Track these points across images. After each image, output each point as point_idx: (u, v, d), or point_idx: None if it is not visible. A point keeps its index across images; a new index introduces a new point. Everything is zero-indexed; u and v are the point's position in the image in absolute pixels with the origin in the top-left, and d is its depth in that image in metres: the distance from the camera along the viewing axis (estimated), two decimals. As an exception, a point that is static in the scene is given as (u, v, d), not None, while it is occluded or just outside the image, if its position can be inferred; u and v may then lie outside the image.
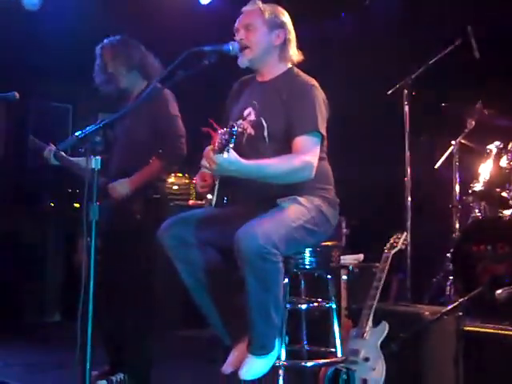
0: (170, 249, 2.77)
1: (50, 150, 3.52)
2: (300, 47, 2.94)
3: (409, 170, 4.24)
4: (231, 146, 2.39)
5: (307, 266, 2.88)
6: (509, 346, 3.04)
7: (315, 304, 3.03)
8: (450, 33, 4.67)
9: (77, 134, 2.48)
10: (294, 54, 2.93)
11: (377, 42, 5.32)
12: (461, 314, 3.16)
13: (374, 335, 3.05)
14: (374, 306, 3.10)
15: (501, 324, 3.18)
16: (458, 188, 4.48)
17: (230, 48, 2.79)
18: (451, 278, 4.16)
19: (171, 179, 4.89)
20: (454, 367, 3.09)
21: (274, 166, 2.64)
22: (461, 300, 3.18)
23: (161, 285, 3.54)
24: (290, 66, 2.94)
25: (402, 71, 4.42)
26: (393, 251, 3.32)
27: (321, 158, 2.79)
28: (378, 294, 3.15)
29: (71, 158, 3.53)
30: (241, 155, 2.50)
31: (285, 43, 2.90)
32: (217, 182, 2.78)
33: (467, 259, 3.89)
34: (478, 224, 4.17)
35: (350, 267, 4.05)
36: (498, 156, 4.18)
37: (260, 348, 2.68)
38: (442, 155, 4.58)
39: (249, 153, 2.63)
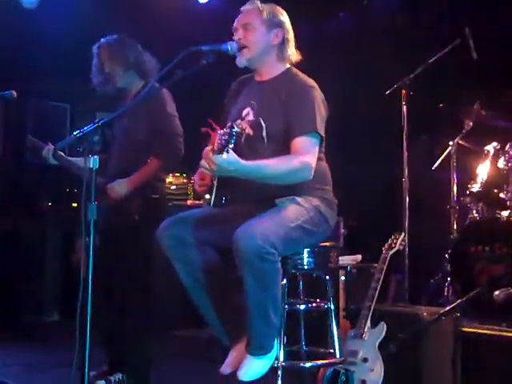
0: (169, 249, 2.76)
1: (48, 150, 3.51)
2: (298, 47, 2.94)
3: (407, 171, 4.24)
4: (231, 146, 2.38)
5: (305, 267, 2.87)
6: (506, 346, 3.04)
7: (313, 305, 3.02)
8: (448, 33, 4.68)
9: (75, 133, 2.47)
10: (293, 53, 2.92)
11: (375, 41, 5.32)
12: (459, 314, 3.16)
13: (372, 336, 3.05)
14: (372, 307, 3.11)
15: (499, 325, 3.18)
16: (455, 189, 4.49)
17: (229, 47, 2.78)
18: (449, 278, 4.16)
19: (169, 179, 4.89)
20: (451, 368, 3.09)
21: (272, 166, 2.64)
22: (459, 301, 3.19)
23: (159, 285, 3.53)
24: (288, 65, 2.93)
25: (400, 71, 4.43)
26: (391, 252, 3.33)
27: (319, 159, 2.79)
28: (376, 295, 3.15)
29: (70, 158, 3.53)
30: (239, 155, 2.50)
31: (283, 43, 2.89)
32: (215, 182, 2.78)
33: (465, 260, 3.89)
34: (476, 225, 4.17)
35: (348, 268, 4.04)
36: (496, 157, 4.19)
37: (258, 348, 2.67)
38: (440, 156, 4.58)
39: (247, 153, 2.63)
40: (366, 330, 3.06)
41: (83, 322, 2.36)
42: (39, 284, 5.56)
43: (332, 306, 2.93)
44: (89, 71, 3.61)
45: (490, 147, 4.25)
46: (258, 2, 2.90)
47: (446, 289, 4.20)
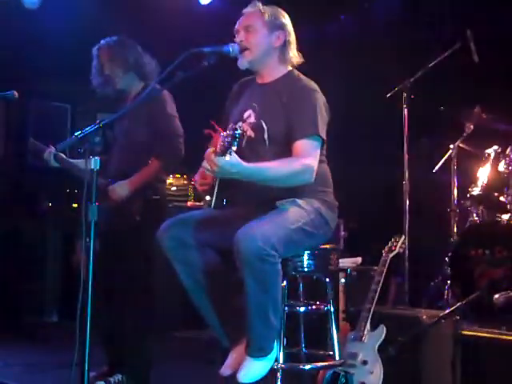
0: (169, 250, 2.76)
1: (49, 153, 3.51)
2: (300, 49, 2.94)
3: (407, 174, 4.24)
4: (234, 148, 2.39)
5: (305, 269, 2.88)
6: (506, 350, 3.04)
7: (313, 307, 3.03)
8: (449, 36, 4.68)
9: (76, 134, 2.47)
10: (294, 55, 2.92)
11: (376, 44, 5.33)
12: (458, 318, 3.16)
13: (371, 338, 3.05)
14: (372, 310, 3.10)
15: (498, 328, 3.18)
16: (456, 192, 4.49)
17: (230, 49, 2.79)
18: (449, 281, 4.16)
19: (170, 180, 4.90)
20: (451, 371, 3.08)
21: (274, 168, 2.64)
22: (458, 304, 3.19)
23: (160, 286, 3.53)
24: (290, 68, 2.93)
25: (401, 73, 4.43)
26: (391, 254, 3.32)
27: (320, 161, 2.79)
28: (376, 298, 3.15)
29: (71, 160, 3.53)
30: (240, 157, 2.50)
31: (285, 45, 2.89)
32: (216, 184, 2.78)
33: (465, 263, 3.89)
34: (476, 228, 4.17)
35: (348, 270, 4.04)
36: (496, 160, 4.19)
37: (258, 350, 2.67)
38: (441, 159, 4.58)
39: (248, 155, 2.63)
40: (365, 332, 3.06)
41: (83, 322, 2.36)
42: (40, 284, 5.56)
43: (332, 309, 2.93)
44: (90, 72, 3.61)
45: (491, 150, 4.26)
46: (260, 5, 2.91)
47: (446, 292, 4.20)
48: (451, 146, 4.52)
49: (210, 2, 5.51)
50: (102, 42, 3.60)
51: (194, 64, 2.67)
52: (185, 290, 2.82)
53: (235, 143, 2.38)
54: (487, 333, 3.14)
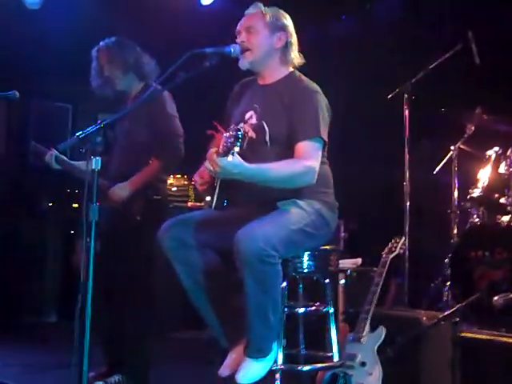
0: (169, 250, 2.77)
1: (51, 155, 3.52)
2: (301, 50, 2.94)
3: (408, 175, 4.24)
4: (236, 149, 2.39)
5: (305, 270, 2.88)
6: (506, 351, 3.04)
7: (313, 308, 3.02)
8: (450, 37, 4.68)
9: (78, 134, 2.48)
10: (296, 57, 2.93)
11: (377, 45, 5.32)
12: (458, 319, 3.16)
13: (371, 340, 3.05)
14: (372, 311, 3.10)
15: (498, 330, 3.19)
16: (456, 193, 4.49)
17: (232, 50, 2.79)
18: (449, 283, 4.16)
19: (170, 180, 4.90)
20: (450, 373, 3.09)
21: (276, 170, 2.65)
22: (458, 306, 3.18)
23: (160, 286, 3.53)
24: (291, 69, 2.94)
25: (402, 74, 4.43)
26: (391, 256, 3.33)
27: (321, 162, 2.80)
28: (376, 299, 3.15)
29: (72, 162, 3.54)
30: (241, 158, 2.50)
31: (286, 46, 2.90)
32: (217, 185, 2.78)
33: (465, 265, 3.89)
34: (477, 230, 4.17)
35: (348, 271, 4.05)
36: (497, 162, 4.18)
37: (257, 351, 2.68)
38: (441, 160, 4.58)
39: (250, 156, 2.62)
40: (364, 333, 3.06)
41: (82, 323, 2.37)
42: (39, 285, 5.56)
43: (331, 310, 2.93)
44: (90, 73, 3.61)
45: (492, 152, 4.25)
46: (262, 6, 2.91)
47: (446, 293, 4.19)
48: (452, 148, 4.51)
49: (212, 3, 5.51)
50: (100, 43, 3.61)
51: (196, 64, 2.67)
52: (185, 290, 2.82)
53: (238, 144, 2.39)
54: (487, 334, 3.15)
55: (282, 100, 2.81)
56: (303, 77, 2.91)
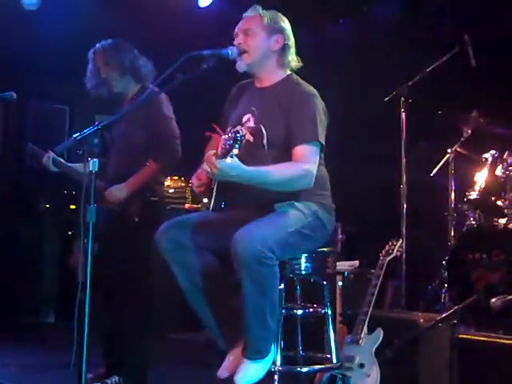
0: (167, 252, 2.77)
1: (48, 157, 3.52)
2: (298, 53, 2.95)
3: (405, 177, 4.25)
4: (235, 151, 2.39)
5: (303, 272, 2.88)
6: (503, 353, 3.04)
7: (310, 310, 3.03)
8: (447, 40, 4.69)
9: (75, 135, 2.48)
10: (293, 60, 2.93)
11: (374, 48, 5.34)
12: (455, 321, 3.17)
13: (368, 342, 3.06)
14: (369, 313, 3.11)
15: (495, 332, 3.19)
16: (453, 196, 4.49)
17: (229, 52, 2.79)
18: (446, 285, 4.16)
19: (167, 182, 4.90)
20: (448, 375, 3.09)
21: (274, 173, 2.65)
22: (455, 308, 3.20)
23: (158, 287, 3.53)
24: (289, 72, 2.94)
25: (400, 76, 4.44)
26: (388, 258, 3.34)
27: (319, 164, 2.79)
28: (373, 301, 3.16)
29: (70, 164, 3.54)
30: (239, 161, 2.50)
31: (283, 49, 2.90)
32: (215, 187, 2.78)
33: (462, 267, 3.89)
34: (473, 232, 4.18)
35: (346, 273, 4.05)
36: (494, 165, 4.19)
37: (255, 352, 2.68)
38: (438, 163, 4.59)
39: (247, 159, 2.61)
40: (362, 335, 3.07)
41: (81, 324, 2.37)
42: (37, 285, 5.56)
43: (329, 311, 2.93)
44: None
45: (488, 155, 4.26)
46: (260, 9, 2.92)
47: (443, 295, 4.20)
48: (449, 150, 4.52)
49: (209, 5, 5.52)
50: (97, 45, 3.60)
51: (193, 67, 2.67)
52: (182, 291, 2.82)
53: (237, 146, 2.39)
54: (484, 336, 3.16)
55: (279, 103, 2.81)
56: (300, 80, 2.92)
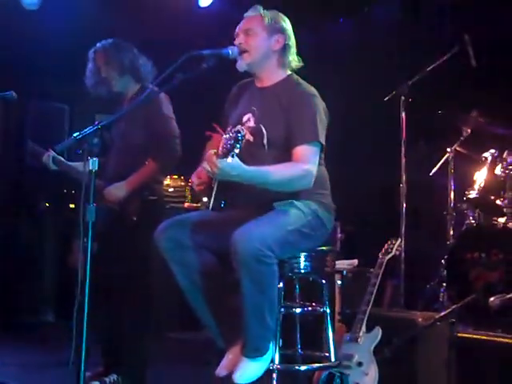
0: (166, 251, 2.77)
1: (48, 156, 3.52)
2: (299, 53, 2.95)
3: (404, 177, 4.26)
4: (236, 151, 2.40)
5: (302, 271, 2.88)
6: (502, 352, 3.05)
7: (309, 308, 3.03)
8: (448, 40, 4.69)
9: (75, 135, 2.48)
10: (294, 60, 2.93)
11: (375, 47, 5.34)
12: (454, 320, 3.17)
13: (367, 340, 3.07)
14: (368, 312, 3.12)
15: (494, 331, 3.20)
16: (452, 195, 4.50)
17: (229, 52, 2.80)
18: (445, 284, 4.17)
19: (167, 181, 4.90)
20: (446, 373, 3.10)
21: (275, 173, 2.66)
22: (454, 307, 3.20)
23: (156, 286, 3.54)
24: (289, 72, 2.94)
25: (400, 76, 4.44)
26: (387, 257, 3.35)
27: (319, 164, 2.80)
28: (372, 300, 3.16)
29: (69, 163, 3.55)
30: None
31: (284, 48, 2.90)
32: (215, 186, 2.78)
33: (461, 266, 3.90)
34: (472, 231, 4.18)
35: (345, 272, 4.06)
36: (493, 164, 4.20)
37: (254, 351, 2.68)
38: (438, 162, 4.59)
39: (247, 159, 2.61)
40: (361, 334, 3.08)
41: (80, 323, 2.37)
42: (37, 284, 5.56)
43: (328, 310, 2.94)
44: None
45: (488, 154, 4.27)
46: (261, 9, 2.92)
47: (442, 294, 4.21)
48: (448, 150, 4.53)
49: (210, 5, 5.53)
50: (97, 45, 3.61)
51: (194, 66, 2.68)
52: (181, 290, 2.83)
53: (238, 146, 2.39)
54: (482, 335, 3.16)
55: (279, 103, 2.81)
56: (301, 80, 2.92)
